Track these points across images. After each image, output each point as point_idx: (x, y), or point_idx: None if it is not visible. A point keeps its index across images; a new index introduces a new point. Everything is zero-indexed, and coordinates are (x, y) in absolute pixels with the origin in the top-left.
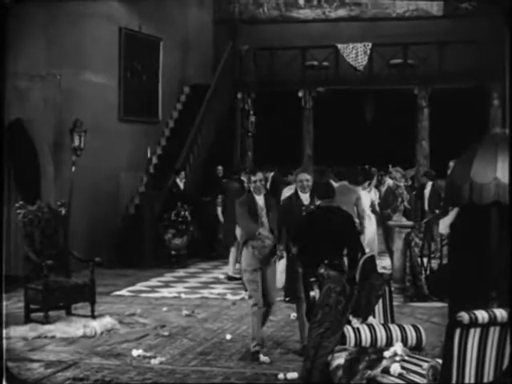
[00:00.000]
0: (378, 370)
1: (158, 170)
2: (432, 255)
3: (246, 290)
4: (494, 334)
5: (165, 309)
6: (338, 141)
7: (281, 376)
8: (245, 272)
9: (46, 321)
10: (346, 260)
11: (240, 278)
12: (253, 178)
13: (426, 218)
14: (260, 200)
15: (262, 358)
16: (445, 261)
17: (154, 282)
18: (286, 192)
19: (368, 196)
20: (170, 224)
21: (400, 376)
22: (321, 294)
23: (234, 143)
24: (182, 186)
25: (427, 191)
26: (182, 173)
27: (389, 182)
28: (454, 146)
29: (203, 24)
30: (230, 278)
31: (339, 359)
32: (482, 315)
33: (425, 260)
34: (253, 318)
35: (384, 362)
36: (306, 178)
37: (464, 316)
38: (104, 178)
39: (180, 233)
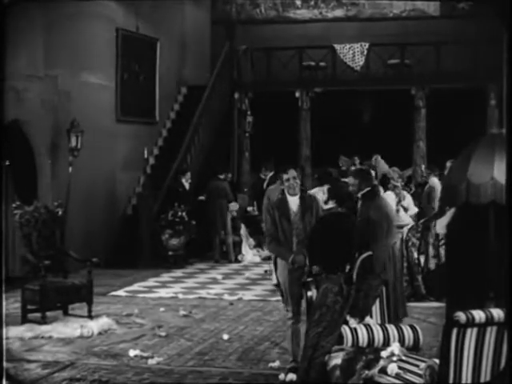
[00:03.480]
0: (375, 370)
1: (155, 171)
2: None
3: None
4: (491, 333)
5: (162, 309)
6: (335, 141)
7: (281, 377)
8: (283, 285)
9: (43, 321)
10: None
11: None
12: (285, 177)
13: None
14: (294, 202)
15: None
16: (442, 261)
17: (151, 282)
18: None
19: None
20: (167, 224)
21: (397, 376)
22: (318, 294)
23: (232, 143)
24: (187, 186)
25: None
26: (188, 173)
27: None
28: (450, 146)
29: (200, 24)
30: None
31: (336, 359)
32: (479, 315)
33: (422, 260)
34: (288, 332)
35: (381, 362)
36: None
37: (461, 316)
38: (101, 179)
39: (177, 233)
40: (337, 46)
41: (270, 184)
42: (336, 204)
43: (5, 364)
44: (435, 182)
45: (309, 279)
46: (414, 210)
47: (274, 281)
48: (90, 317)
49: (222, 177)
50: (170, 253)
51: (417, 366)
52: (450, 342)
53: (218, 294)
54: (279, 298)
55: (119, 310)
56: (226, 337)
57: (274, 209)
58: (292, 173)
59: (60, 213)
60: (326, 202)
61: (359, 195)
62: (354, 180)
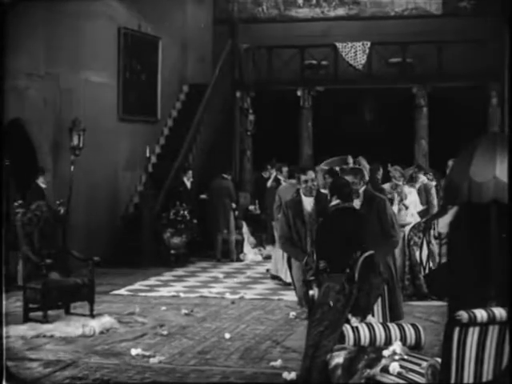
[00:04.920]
0: (377, 369)
1: (157, 170)
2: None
3: (300, 305)
4: (492, 332)
5: (164, 308)
6: (336, 140)
7: (285, 375)
8: (297, 284)
9: (45, 320)
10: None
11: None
12: (303, 178)
13: None
14: (308, 203)
15: None
16: (444, 260)
17: (152, 281)
18: None
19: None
20: (168, 223)
21: (399, 375)
22: (320, 292)
23: (233, 142)
24: (189, 184)
25: None
26: (190, 172)
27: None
28: (452, 144)
29: (202, 23)
30: (273, 277)
31: (338, 358)
32: (480, 314)
33: (424, 259)
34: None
35: (383, 361)
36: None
37: (463, 315)
38: (103, 178)
39: (179, 232)
40: (339, 45)
41: (273, 183)
42: (340, 200)
43: (6, 363)
44: (425, 179)
45: (311, 278)
46: (419, 207)
47: (288, 279)
48: (92, 316)
49: (226, 176)
50: (172, 251)
51: (419, 364)
52: (451, 341)
53: (220, 292)
54: (281, 296)
55: (121, 309)
56: (227, 336)
57: (288, 209)
58: (310, 174)
59: (62, 211)
60: (330, 200)
61: (360, 192)
62: (354, 178)
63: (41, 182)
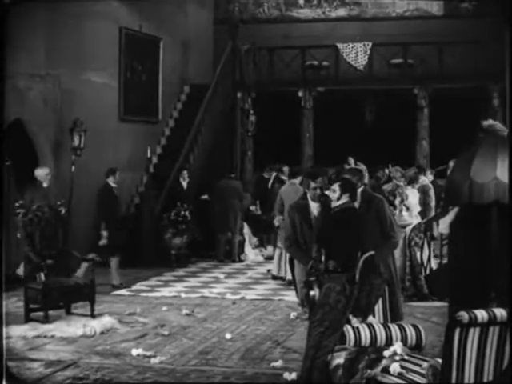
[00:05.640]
0: (377, 370)
1: (158, 170)
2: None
3: (302, 306)
4: (493, 333)
5: (164, 308)
6: (337, 140)
7: (286, 375)
8: (299, 285)
9: (46, 320)
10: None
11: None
12: (313, 185)
13: None
14: (315, 207)
15: None
16: (445, 260)
17: (153, 281)
18: None
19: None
20: (169, 223)
21: (400, 375)
22: (321, 293)
23: (234, 143)
24: (185, 185)
25: None
26: (185, 172)
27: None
28: (453, 145)
29: (203, 23)
30: (274, 278)
31: (339, 359)
32: (481, 315)
33: (424, 259)
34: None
35: (384, 362)
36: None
37: (464, 315)
38: (104, 178)
39: (180, 232)
40: (340, 46)
41: (274, 183)
42: (350, 198)
43: (6, 363)
44: (425, 180)
45: (311, 278)
46: (417, 208)
47: (289, 276)
48: (93, 316)
49: (233, 176)
50: (173, 252)
51: (419, 365)
52: (452, 342)
53: (221, 293)
54: (282, 297)
55: (122, 309)
56: (228, 336)
57: (294, 212)
58: (320, 182)
59: (63, 212)
60: (338, 198)
61: (358, 193)
62: (352, 178)
63: (111, 182)
